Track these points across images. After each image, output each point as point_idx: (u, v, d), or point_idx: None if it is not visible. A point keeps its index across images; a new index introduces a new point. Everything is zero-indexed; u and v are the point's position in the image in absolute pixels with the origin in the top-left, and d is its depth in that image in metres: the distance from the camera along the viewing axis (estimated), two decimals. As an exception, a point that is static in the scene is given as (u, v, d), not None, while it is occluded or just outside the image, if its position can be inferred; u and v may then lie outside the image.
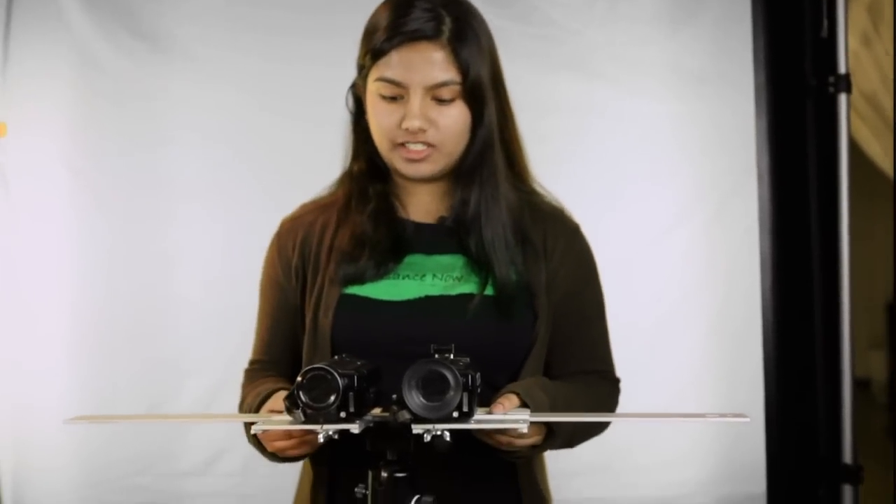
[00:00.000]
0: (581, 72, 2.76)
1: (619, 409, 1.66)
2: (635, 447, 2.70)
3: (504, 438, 1.43)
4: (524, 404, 1.43)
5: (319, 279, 1.60)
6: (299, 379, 1.29)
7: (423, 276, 1.58)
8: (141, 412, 2.74)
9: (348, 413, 1.30)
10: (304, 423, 1.30)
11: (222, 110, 2.79)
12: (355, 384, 1.31)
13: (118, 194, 2.80)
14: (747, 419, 1.31)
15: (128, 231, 2.80)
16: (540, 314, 1.57)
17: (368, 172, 1.62)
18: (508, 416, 1.37)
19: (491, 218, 1.58)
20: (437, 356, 1.35)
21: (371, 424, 1.33)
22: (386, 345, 1.53)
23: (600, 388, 1.64)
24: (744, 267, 2.76)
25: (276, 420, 1.37)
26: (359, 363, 1.35)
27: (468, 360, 1.34)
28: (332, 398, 1.29)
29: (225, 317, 2.75)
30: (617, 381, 1.67)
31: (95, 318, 2.80)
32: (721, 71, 2.75)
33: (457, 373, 1.29)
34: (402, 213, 1.63)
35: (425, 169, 1.57)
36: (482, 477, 1.56)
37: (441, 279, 1.58)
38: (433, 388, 1.29)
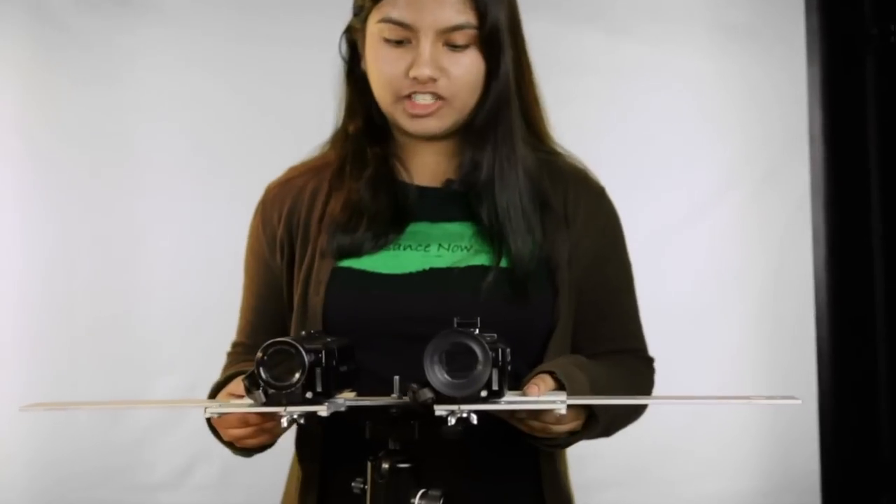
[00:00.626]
0: (610, 25, 2.79)
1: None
2: (673, 454, 2.73)
3: (538, 424, 1.42)
4: (560, 386, 1.43)
5: (309, 252, 1.60)
6: (259, 354, 1.29)
7: (428, 246, 1.59)
8: (104, 424, 2.76)
9: (315, 393, 1.29)
10: (265, 404, 1.30)
11: (198, 73, 2.81)
12: (323, 360, 1.30)
13: (77, 166, 2.82)
14: (798, 401, 1.31)
15: (88, 207, 2.82)
16: (562, 290, 1.58)
17: (366, 132, 1.63)
18: (544, 398, 1.37)
19: (506, 183, 1.58)
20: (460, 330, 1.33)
21: (395, 410, 1.33)
22: (385, 324, 1.54)
23: (637, 368, 1.66)
24: (795, 244, 2.79)
25: (234, 403, 1.37)
26: (329, 339, 1.35)
27: (495, 335, 1.33)
28: (297, 376, 1.29)
29: (199, 306, 2.78)
30: (651, 360, 1.69)
31: (49, 308, 2.82)
32: (768, 21, 2.78)
33: (486, 346, 1.28)
34: (403, 177, 1.63)
35: (433, 125, 1.57)
36: (497, 471, 1.57)
37: (448, 250, 1.59)
38: (459, 363, 1.28)
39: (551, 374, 1.44)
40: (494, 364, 1.29)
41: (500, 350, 1.31)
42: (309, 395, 1.30)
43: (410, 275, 1.57)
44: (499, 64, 1.57)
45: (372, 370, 1.52)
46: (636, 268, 1.68)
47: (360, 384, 1.51)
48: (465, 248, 1.58)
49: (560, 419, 1.41)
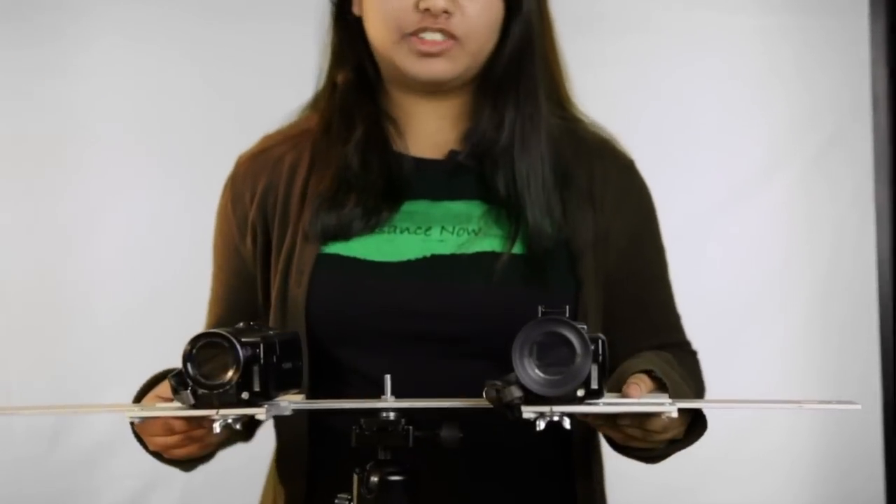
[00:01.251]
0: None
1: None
2: (716, 473, 2.74)
3: (639, 432, 1.40)
4: (660, 386, 1.41)
5: (289, 236, 1.60)
6: (187, 348, 1.29)
7: (429, 229, 1.58)
8: (42, 444, 2.75)
9: (252, 394, 1.29)
10: (194, 407, 1.29)
11: (154, 29, 2.79)
12: (261, 356, 1.29)
13: (5, 140, 2.78)
14: (857, 406, 1.30)
15: (19, 190, 2.79)
16: (586, 281, 1.58)
17: (356, 86, 1.62)
18: (651, 400, 1.34)
19: (528, 147, 1.58)
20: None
21: (385, 414, 1.31)
22: (380, 321, 1.54)
23: (692, 366, 1.66)
24: (855, 227, 2.79)
25: (160, 407, 1.36)
26: (270, 331, 1.35)
27: (584, 326, 1.30)
28: (231, 374, 1.28)
29: (155, 305, 2.75)
30: (696, 353, 1.70)
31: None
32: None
33: (585, 336, 1.26)
34: (397, 146, 1.62)
35: (440, 68, 1.56)
36: (517, 489, 1.57)
37: (452, 233, 1.58)
38: (552, 356, 1.27)
39: (648, 372, 1.42)
40: (594, 358, 1.27)
41: (599, 342, 1.29)
42: (245, 395, 1.29)
43: (409, 263, 1.56)
44: (520, 7, 1.57)
45: (364, 374, 1.54)
46: (670, 257, 1.69)
47: (351, 390, 1.53)
48: (473, 230, 1.58)
49: (666, 425, 1.39)
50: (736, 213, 2.79)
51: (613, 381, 1.42)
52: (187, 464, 1.52)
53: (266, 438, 1.67)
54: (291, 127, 1.67)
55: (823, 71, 2.78)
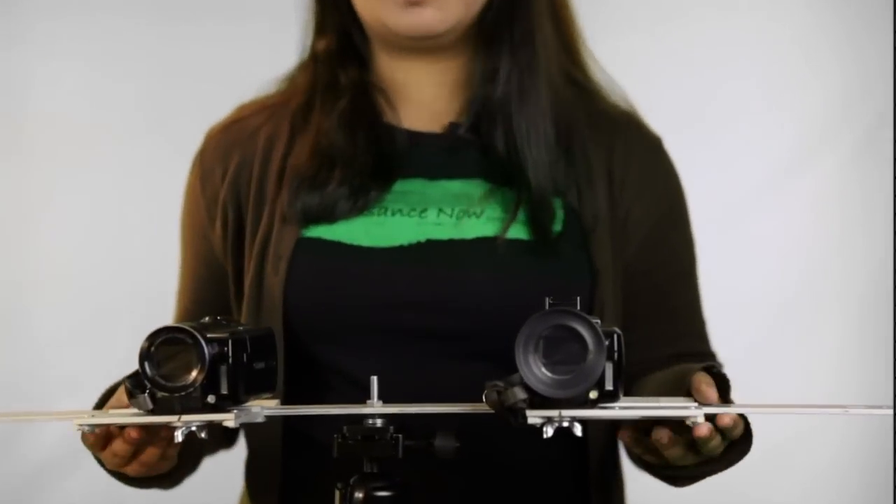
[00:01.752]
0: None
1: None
2: (758, 490, 2.69)
3: (677, 450, 1.36)
4: (721, 387, 1.36)
5: (265, 218, 1.60)
6: (144, 345, 1.27)
7: (424, 210, 1.58)
8: None
9: (219, 397, 1.27)
10: (153, 412, 1.28)
11: (105, 20, 2.78)
12: (230, 354, 1.28)
13: None
14: None
15: None
16: (603, 269, 1.58)
17: (340, 53, 1.63)
18: (675, 403, 1.33)
19: (526, 99, 1.58)
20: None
21: (371, 421, 1.29)
22: (368, 314, 1.54)
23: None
24: (899, 220, 2.76)
25: (115, 413, 1.34)
26: (240, 326, 1.33)
27: (598, 320, 1.29)
28: (195, 374, 1.26)
29: (108, 310, 2.73)
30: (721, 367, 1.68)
31: None
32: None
33: (598, 330, 1.24)
34: (388, 118, 1.63)
35: (430, 17, 1.56)
36: (512, 502, 1.56)
37: (451, 216, 1.58)
38: (561, 353, 1.25)
39: (708, 370, 1.38)
40: (609, 355, 1.25)
41: (614, 337, 1.28)
42: (211, 399, 1.27)
43: (401, 248, 1.56)
44: None
45: (348, 375, 1.54)
46: (700, 252, 1.70)
47: (332, 393, 1.53)
48: (474, 213, 1.58)
49: (726, 430, 1.33)
50: (774, 203, 2.75)
51: (670, 384, 1.40)
52: (160, 480, 1.50)
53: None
54: (268, 97, 1.67)
55: (878, 39, 2.74)
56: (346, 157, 1.59)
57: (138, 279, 2.68)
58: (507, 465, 1.56)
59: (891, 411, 1.29)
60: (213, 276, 1.66)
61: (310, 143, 1.61)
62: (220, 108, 1.74)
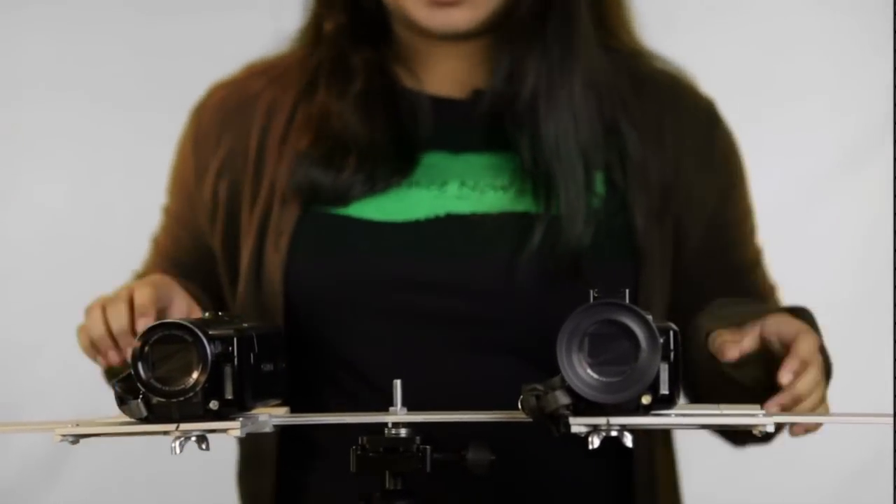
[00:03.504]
0: None
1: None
2: None
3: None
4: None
5: (265, 189, 1.57)
6: (138, 344, 1.20)
7: (444, 183, 1.55)
8: None
9: (223, 403, 1.20)
10: (147, 420, 1.21)
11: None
12: (235, 354, 1.21)
13: None
14: None
15: None
16: (648, 255, 1.54)
17: (350, 29, 1.59)
18: (741, 410, 1.27)
19: (556, 104, 1.54)
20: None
21: (394, 430, 1.22)
22: (379, 297, 1.50)
23: None
24: None
25: (98, 421, 1.26)
26: (245, 323, 1.27)
27: (650, 315, 1.25)
28: (195, 376, 1.19)
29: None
30: None
31: None
32: None
33: (653, 326, 1.16)
34: (409, 83, 1.59)
35: (460, 18, 1.53)
36: None
37: (474, 189, 1.55)
38: (609, 352, 1.17)
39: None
40: (664, 355, 1.17)
41: (670, 334, 1.19)
42: (214, 405, 1.19)
43: (417, 223, 1.52)
44: None
45: (358, 368, 1.50)
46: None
47: (338, 392, 1.49)
48: (501, 187, 1.55)
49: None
50: (838, 193, 2.68)
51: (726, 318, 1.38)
52: None
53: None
54: (276, 59, 1.64)
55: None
56: (362, 144, 1.55)
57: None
58: (543, 478, 1.51)
59: None
60: (195, 249, 1.62)
61: (315, 123, 1.57)
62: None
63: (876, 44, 2.67)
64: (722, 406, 1.30)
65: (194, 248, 1.62)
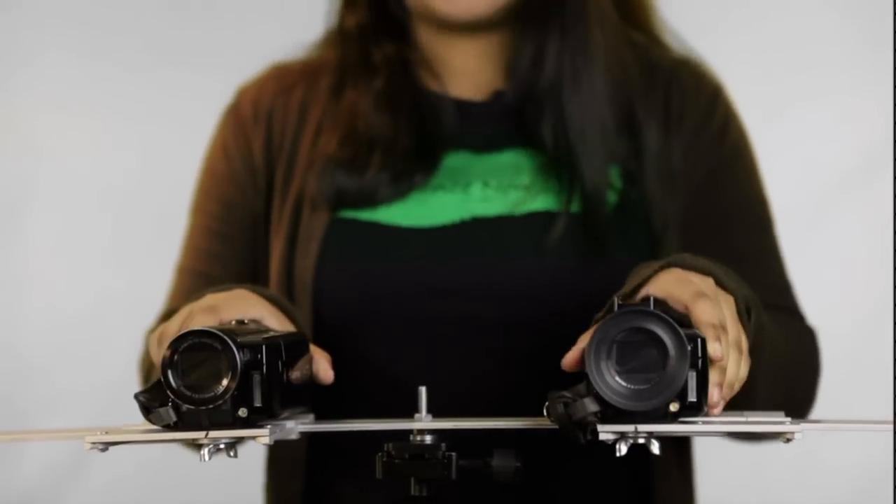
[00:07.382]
0: None
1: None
2: None
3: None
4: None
5: (294, 192, 1.57)
6: (167, 353, 1.19)
7: (469, 185, 1.55)
8: None
9: (252, 410, 1.19)
10: (176, 427, 1.19)
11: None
12: (264, 361, 1.20)
13: None
14: None
15: None
16: (667, 240, 1.53)
17: (373, 26, 1.59)
18: (768, 418, 1.25)
19: (580, 87, 1.54)
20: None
21: (419, 437, 1.20)
22: (407, 302, 1.50)
23: (800, 328, 1.60)
24: None
25: (126, 429, 1.23)
26: (272, 331, 1.27)
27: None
28: (225, 384, 1.18)
29: (105, 310, 2.68)
30: (813, 330, 1.62)
31: None
32: None
33: (681, 333, 1.15)
34: (432, 85, 1.60)
35: (477, 3, 1.52)
36: None
37: (498, 190, 1.54)
38: (637, 360, 1.16)
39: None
40: (692, 363, 1.16)
41: (698, 341, 1.17)
42: (243, 412, 1.18)
43: (443, 228, 1.53)
44: None
45: (385, 373, 1.50)
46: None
47: (365, 398, 1.48)
48: (523, 186, 1.55)
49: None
50: (857, 198, 2.65)
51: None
52: None
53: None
54: (301, 62, 1.64)
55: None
56: (386, 140, 1.55)
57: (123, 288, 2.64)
58: (569, 485, 1.51)
59: None
60: (248, 243, 1.61)
61: (342, 123, 1.57)
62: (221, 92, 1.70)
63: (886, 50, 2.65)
64: (747, 413, 1.27)
65: (251, 255, 1.60)
